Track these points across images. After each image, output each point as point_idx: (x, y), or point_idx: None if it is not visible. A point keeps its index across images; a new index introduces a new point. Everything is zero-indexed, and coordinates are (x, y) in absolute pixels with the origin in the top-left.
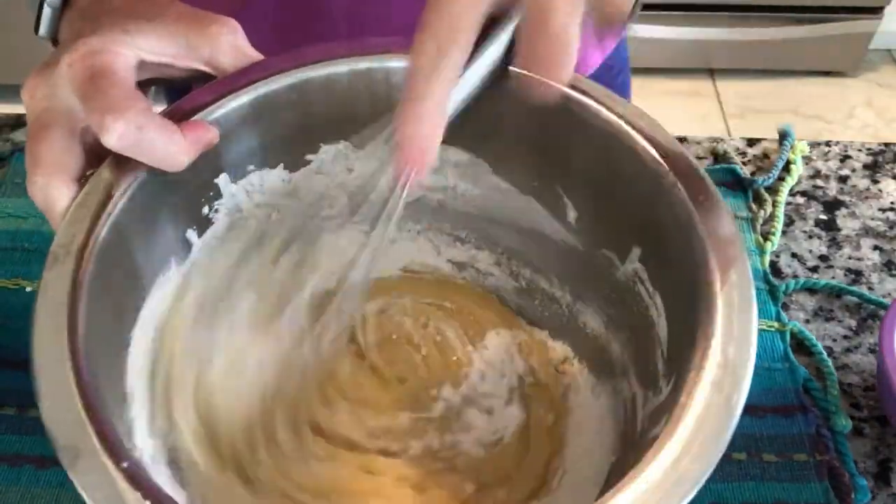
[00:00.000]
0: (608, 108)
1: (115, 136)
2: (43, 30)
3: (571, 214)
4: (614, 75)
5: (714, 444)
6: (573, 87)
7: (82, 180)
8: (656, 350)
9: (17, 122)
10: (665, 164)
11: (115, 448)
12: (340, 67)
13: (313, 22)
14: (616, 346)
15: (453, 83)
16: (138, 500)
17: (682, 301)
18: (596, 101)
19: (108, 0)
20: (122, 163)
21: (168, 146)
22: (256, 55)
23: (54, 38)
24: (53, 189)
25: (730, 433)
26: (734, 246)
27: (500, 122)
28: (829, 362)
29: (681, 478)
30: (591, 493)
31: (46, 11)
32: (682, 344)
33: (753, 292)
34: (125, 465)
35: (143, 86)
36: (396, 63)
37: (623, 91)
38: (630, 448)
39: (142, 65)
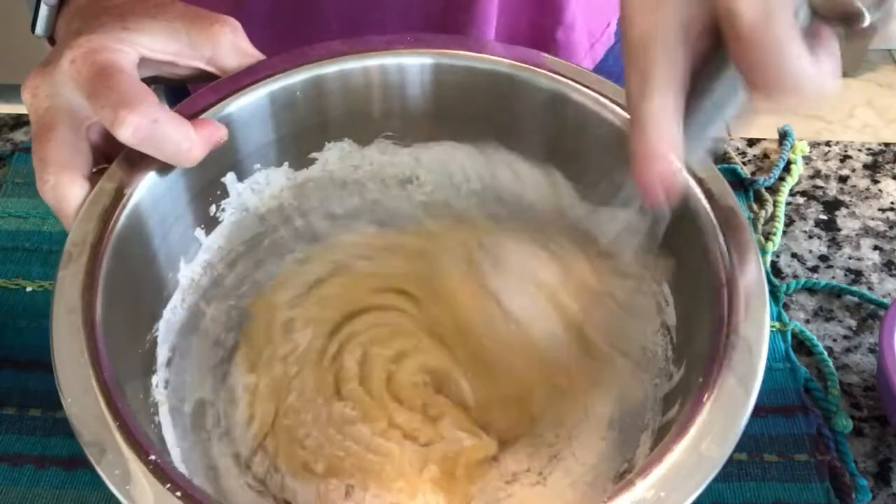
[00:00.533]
0: (614, 102)
1: (131, 130)
2: (40, 29)
3: (575, 206)
4: (614, 81)
5: (732, 426)
6: (580, 82)
7: (91, 178)
8: (665, 336)
9: (18, 121)
10: None
11: (141, 442)
12: (353, 64)
13: (307, 24)
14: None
15: (669, 109)
16: (167, 492)
17: (690, 287)
18: (602, 95)
19: None
20: (133, 160)
21: (181, 141)
22: (258, 54)
23: (51, 38)
24: (64, 188)
25: (747, 414)
26: (742, 231)
27: (511, 118)
28: (830, 362)
29: (702, 459)
30: (604, 476)
31: (43, 10)
32: (693, 329)
33: (763, 276)
34: (152, 457)
35: None
36: (409, 59)
37: None
38: (641, 434)
39: (143, 63)
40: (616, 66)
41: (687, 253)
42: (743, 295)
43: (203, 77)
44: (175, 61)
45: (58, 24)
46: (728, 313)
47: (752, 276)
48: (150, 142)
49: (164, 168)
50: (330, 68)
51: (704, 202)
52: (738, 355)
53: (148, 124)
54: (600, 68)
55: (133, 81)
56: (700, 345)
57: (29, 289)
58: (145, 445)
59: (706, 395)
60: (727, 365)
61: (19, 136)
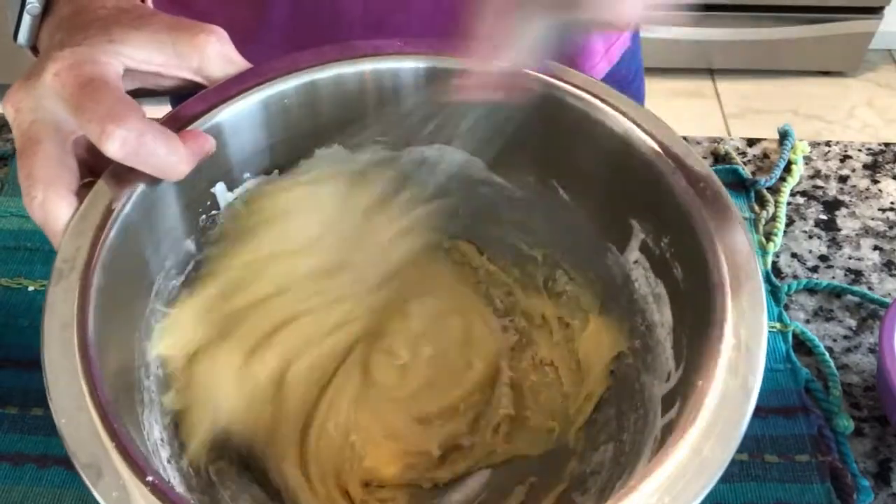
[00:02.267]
0: (606, 104)
1: (118, 144)
2: (22, 38)
3: (570, 208)
4: (629, 82)
5: (733, 429)
6: (571, 83)
7: (78, 193)
8: (663, 338)
9: None
10: (664, 155)
11: (138, 463)
12: (347, 69)
13: (329, 34)
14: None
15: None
16: None
17: (686, 288)
18: (594, 96)
19: (92, 10)
20: (120, 174)
21: (168, 155)
22: (245, 63)
23: (34, 47)
24: (52, 205)
25: (748, 417)
26: (738, 231)
27: (499, 120)
28: (832, 363)
29: (703, 464)
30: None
31: (26, 19)
32: (691, 330)
33: (760, 275)
34: (149, 479)
35: None
36: (404, 64)
37: (637, 97)
38: (639, 435)
39: (127, 74)
40: (630, 68)
41: (685, 253)
42: (741, 296)
43: (189, 87)
44: (161, 72)
45: (41, 34)
46: (726, 314)
47: (750, 277)
48: (138, 156)
49: (153, 181)
50: (322, 74)
51: (701, 203)
52: (737, 357)
53: (135, 138)
54: (615, 70)
55: (119, 94)
56: (699, 346)
57: (31, 288)
58: (142, 466)
59: (706, 399)
60: (726, 367)
61: None
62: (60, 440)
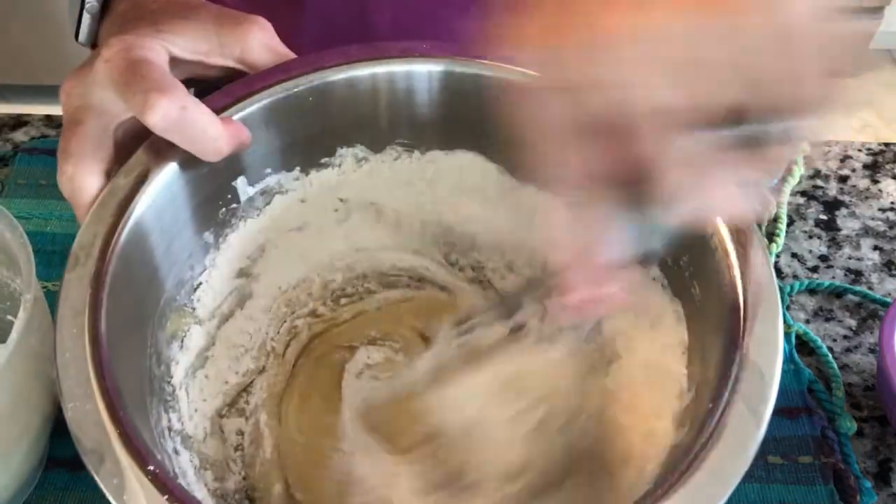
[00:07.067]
0: None
1: (160, 114)
2: (82, 37)
3: None
4: None
5: (742, 455)
6: None
7: (111, 174)
8: (678, 356)
9: (18, 122)
10: None
11: (141, 451)
12: (361, 71)
13: (363, 36)
14: None
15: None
16: (165, 503)
17: (703, 307)
18: None
19: (145, 4)
20: (147, 160)
21: (208, 129)
22: (288, 53)
23: (94, 45)
24: (82, 178)
25: (757, 443)
26: (757, 251)
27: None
28: (834, 364)
29: (711, 488)
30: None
31: (86, 18)
32: (705, 350)
33: (778, 298)
34: (151, 468)
35: None
36: (418, 66)
37: None
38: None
39: (173, 63)
40: None
41: (701, 273)
42: (757, 321)
43: (234, 77)
44: (205, 61)
45: (100, 32)
46: (742, 339)
47: (768, 302)
48: (178, 128)
49: (176, 169)
50: (343, 74)
51: (719, 222)
52: (749, 381)
53: (177, 110)
54: None
55: (164, 72)
56: (712, 367)
57: None
58: (144, 454)
59: (717, 424)
60: (738, 390)
61: (20, 136)
62: (65, 434)
